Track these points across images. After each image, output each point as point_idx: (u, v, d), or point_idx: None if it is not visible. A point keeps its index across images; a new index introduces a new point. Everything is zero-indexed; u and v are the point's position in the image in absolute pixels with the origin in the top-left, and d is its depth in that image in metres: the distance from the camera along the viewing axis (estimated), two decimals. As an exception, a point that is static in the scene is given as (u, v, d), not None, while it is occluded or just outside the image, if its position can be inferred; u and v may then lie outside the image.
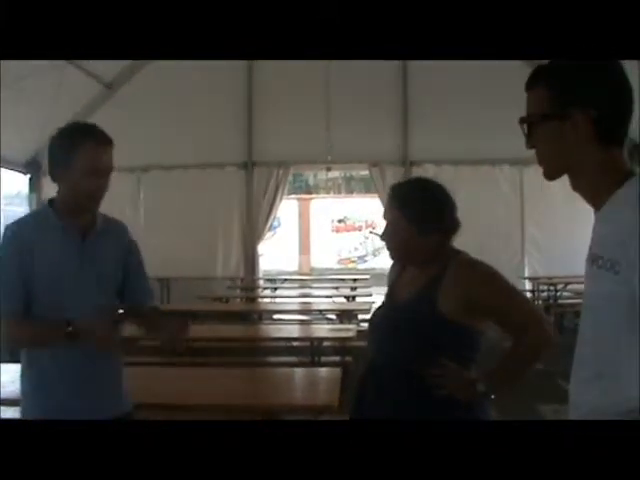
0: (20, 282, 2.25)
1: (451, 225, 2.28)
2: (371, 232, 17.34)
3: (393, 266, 2.47)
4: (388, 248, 2.33)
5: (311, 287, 11.99)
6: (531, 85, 1.57)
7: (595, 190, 1.50)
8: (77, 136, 2.29)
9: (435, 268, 2.22)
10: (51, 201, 2.41)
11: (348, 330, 5.68)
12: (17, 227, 2.34)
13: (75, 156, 2.25)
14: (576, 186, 1.55)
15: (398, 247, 2.29)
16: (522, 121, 1.57)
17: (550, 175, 1.57)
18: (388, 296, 2.40)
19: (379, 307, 2.42)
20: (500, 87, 9.34)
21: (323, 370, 4.26)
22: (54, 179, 2.35)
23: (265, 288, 11.28)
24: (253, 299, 10.12)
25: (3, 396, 3.22)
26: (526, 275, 10.92)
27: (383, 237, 2.30)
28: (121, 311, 2.52)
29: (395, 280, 2.41)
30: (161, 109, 10.60)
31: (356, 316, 7.99)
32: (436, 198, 2.27)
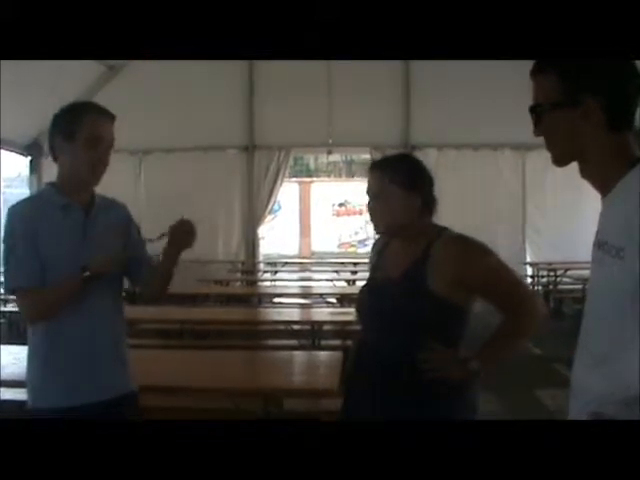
0: (34, 258, 2.29)
1: (431, 199, 2.28)
2: None
3: (375, 245, 2.46)
4: (377, 220, 2.28)
5: (311, 271, 12.02)
6: (538, 72, 1.55)
7: (603, 176, 1.49)
8: (80, 109, 2.38)
9: (421, 245, 2.20)
10: (51, 184, 2.44)
11: (348, 314, 5.68)
12: (20, 207, 2.38)
13: (78, 127, 2.31)
14: (584, 172, 1.54)
15: (392, 217, 2.24)
16: (532, 110, 1.56)
17: (559, 161, 1.57)
18: (374, 274, 2.38)
19: (365, 285, 2.40)
20: (502, 72, 9.32)
21: (325, 354, 4.26)
22: (55, 155, 2.39)
23: (265, 271, 11.31)
24: (253, 282, 10.15)
25: (3, 377, 3.24)
26: (527, 260, 10.93)
27: (373, 208, 2.26)
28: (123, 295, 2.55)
29: (379, 258, 2.39)
30: (163, 92, 10.58)
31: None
32: (420, 168, 2.29)
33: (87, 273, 2.28)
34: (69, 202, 2.37)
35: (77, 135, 2.31)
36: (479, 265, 2.16)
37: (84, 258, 2.32)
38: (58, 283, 2.30)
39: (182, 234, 2.42)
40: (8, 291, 2.38)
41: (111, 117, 2.39)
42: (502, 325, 2.20)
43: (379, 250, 2.40)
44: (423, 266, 2.16)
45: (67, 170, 2.38)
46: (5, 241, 2.33)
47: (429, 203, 2.26)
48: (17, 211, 2.35)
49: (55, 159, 2.40)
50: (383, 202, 2.24)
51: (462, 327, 2.21)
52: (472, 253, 2.17)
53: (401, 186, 2.21)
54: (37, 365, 2.36)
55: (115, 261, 2.38)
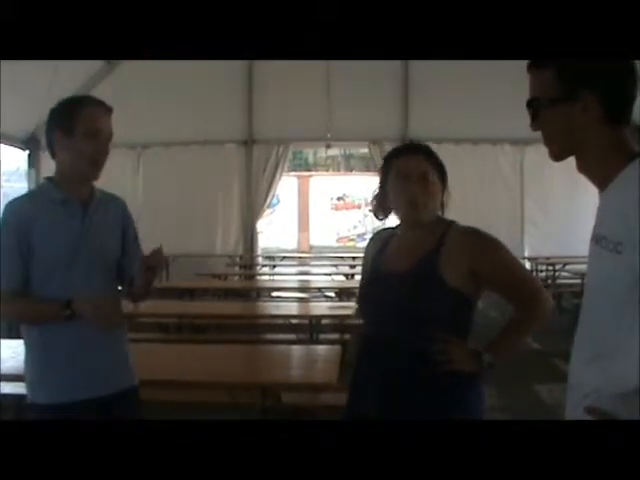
0: (19, 258, 2.28)
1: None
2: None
3: (373, 239, 2.44)
4: (421, 200, 2.21)
5: (310, 265, 12.02)
6: (535, 66, 1.55)
7: (601, 170, 1.50)
8: (78, 102, 2.37)
9: (435, 235, 2.21)
10: (49, 178, 2.42)
11: (347, 308, 5.69)
12: (16, 204, 2.36)
13: (76, 121, 2.30)
14: (582, 167, 1.54)
15: (432, 201, 2.24)
16: (529, 104, 1.56)
17: (557, 156, 1.57)
18: (377, 267, 2.33)
19: (368, 279, 2.38)
20: (501, 66, 9.30)
21: (323, 348, 4.27)
22: (53, 151, 2.38)
23: (264, 265, 11.32)
24: (252, 276, 10.15)
25: (3, 371, 3.24)
26: (525, 255, 10.93)
27: (421, 187, 2.20)
28: (120, 288, 2.54)
29: (381, 251, 2.35)
30: (161, 86, 10.54)
31: (355, 294, 7.99)
32: None
33: (69, 312, 2.24)
34: (68, 197, 2.36)
35: (75, 129, 2.30)
36: (493, 257, 2.18)
37: (82, 253, 2.32)
38: (39, 312, 2.31)
39: (155, 263, 2.38)
40: None
41: (108, 109, 2.39)
42: (513, 319, 2.23)
43: (381, 243, 2.37)
44: (437, 256, 2.16)
45: (66, 165, 2.36)
46: None
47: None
48: (13, 209, 2.34)
49: (53, 155, 2.39)
50: (430, 184, 2.23)
51: (470, 320, 2.22)
52: (486, 245, 2.19)
53: (439, 175, 2.25)
54: (36, 361, 2.36)
55: (102, 307, 2.29)
